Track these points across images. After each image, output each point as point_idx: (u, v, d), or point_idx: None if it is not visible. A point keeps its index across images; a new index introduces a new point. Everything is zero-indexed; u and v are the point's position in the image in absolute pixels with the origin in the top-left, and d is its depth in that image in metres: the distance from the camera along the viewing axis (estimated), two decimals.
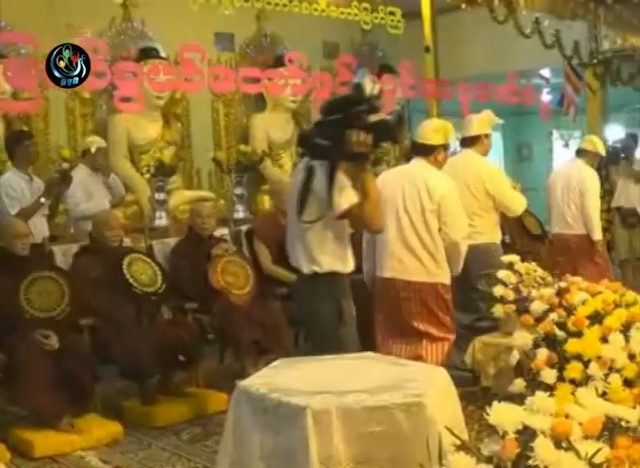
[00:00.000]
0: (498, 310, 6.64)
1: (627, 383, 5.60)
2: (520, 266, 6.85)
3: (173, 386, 7.57)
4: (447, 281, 6.73)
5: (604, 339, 5.75)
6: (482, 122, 8.04)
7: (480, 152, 8.01)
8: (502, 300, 6.62)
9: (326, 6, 9.52)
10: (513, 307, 6.52)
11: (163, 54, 10.33)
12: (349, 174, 5.28)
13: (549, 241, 10.05)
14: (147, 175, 10.11)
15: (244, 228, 9.03)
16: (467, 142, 8.06)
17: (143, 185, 10.01)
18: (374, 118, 5.22)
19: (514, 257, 6.95)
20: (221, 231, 8.86)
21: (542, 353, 5.68)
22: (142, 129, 10.38)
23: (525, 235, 10.89)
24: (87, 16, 9.86)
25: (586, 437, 3.31)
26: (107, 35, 10.36)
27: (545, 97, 14.42)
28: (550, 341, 5.73)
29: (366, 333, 6.18)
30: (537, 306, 6.05)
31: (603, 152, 9.79)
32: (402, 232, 6.59)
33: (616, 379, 5.55)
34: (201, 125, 11.29)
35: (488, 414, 3.02)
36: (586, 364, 5.59)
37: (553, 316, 5.86)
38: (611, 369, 5.61)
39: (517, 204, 8.07)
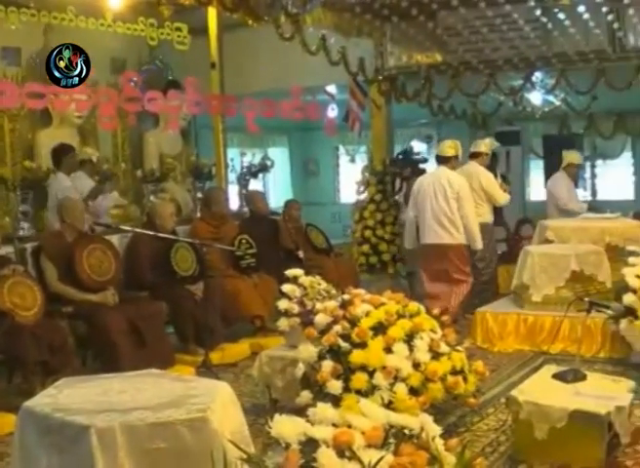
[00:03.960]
0: (282, 323, 6.71)
1: (413, 392, 5.77)
2: (304, 280, 6.92)
3: None
4: (465, 242, 9.99)
5: (388, 349, 5.91)
6: (486, 144, 11.21)
7: (480, 163, 10.99)
8: (287, 314, 6.68)
9: (112, 21, 9.39)
10: (298, 320, 6.60)
11: None
12: None
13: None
14: None
15: (29, 246, 8.81)
16: (473, 156, 11.05)
17: None
18: None
19: (298, 271, 7.03)
20: (6, 249, 8.61)
21: (328, 365, 5.78)
22: None
23: (311, 249, 11.06)
24: None
25: (369, 445, 3.38)
26: None
27: (331, 112, 14.65)
28: (335, 353, 5.84)
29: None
30: (321, 319, 6.15)
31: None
32: (435, 213, 9.91)
33: (401, 388, 5.72)
34: None
35: (270, 427, 3.05)
36: (372, 374, 5.73)
37: (337, 328, 5.96)
38: (396, 378, 5.77)
39: (500, 197, 10.89)
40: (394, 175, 12.88)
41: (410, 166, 12.89)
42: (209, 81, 11.10)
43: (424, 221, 10.07)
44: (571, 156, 12.23)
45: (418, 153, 14.07)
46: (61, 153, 10.21)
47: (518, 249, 10.47)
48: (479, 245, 10.06)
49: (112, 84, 10.79)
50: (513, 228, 13.39)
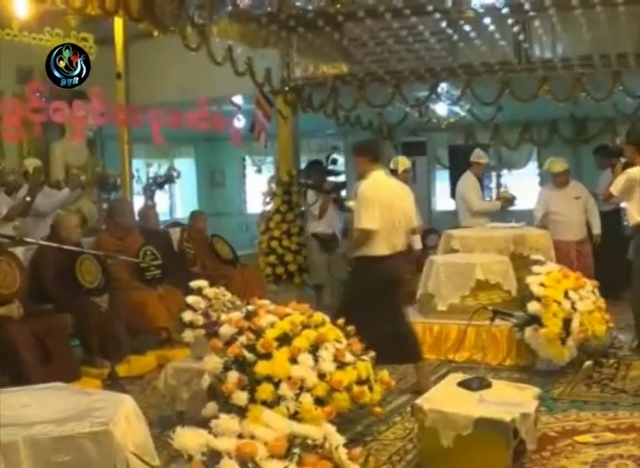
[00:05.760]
0: (187, 335, 6.67)
1: (319, 402, 5.77)
2: (209, 291, 6.90)
3: None
4: None
5: (293, 360, 5.91)
6: (403, 163, 11.53)
7: (474, 171, 12.04)
8: (192, 325, 6.65)
9: (18, 31, 9.26)
10: (203, 332, 6.57)
11: None
12: None
13: None
14: None
15: None
16: (469, 165, 12.07)
17: None
18: None
19: (202, 283, 7.00)
20: None
21: (233, 376, 5.76)
22: None
23: (216, 260, 11.02)
24: None
25: (272, 456, 3.37)
26: None
27: (237, 123, 14.60)
28: (240, 364, 5.82)
29: None
30: (225, 330, 6.12)
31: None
32: None
33: (307, 398, 5.71)
34: None
35: (172, 439, 3.03)
36: (277, 384, 5.72)
37: (242, 339, 5.94)
38: (301, 388, 5.76)
39: (472, 204, 11.74)
40: (307, 187, 12.72)
41: (322, 176, 12.77)
42: (115, 91, 10.99)
43: None
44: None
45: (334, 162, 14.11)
46: None
47: (424, 258, 10.53)
48: None
49: (18, 94, 10.63)
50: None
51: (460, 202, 12.16)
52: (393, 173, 10.91)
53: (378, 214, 7.47)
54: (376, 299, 7.40)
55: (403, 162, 11.56)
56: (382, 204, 7.54)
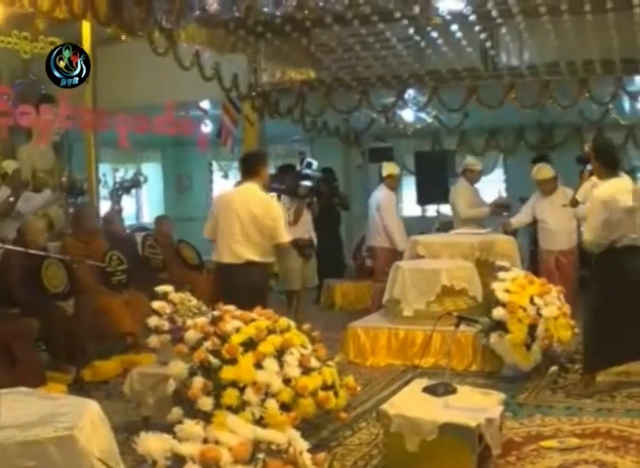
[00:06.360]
0: (153, 340, 6.66)
1: (284, 407, 5.77)
2: (174, 296, 6.88)
3: None
4: None
5: (258, 365, 5.91)
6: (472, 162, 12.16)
7: (467, 178, 12.03)
8: (157, 331, 6.63)
9: None
10: (168, 337, 6.56)
11: None
12: None
13: None
14: None
15: None
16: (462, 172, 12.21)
17: None
18: None
19: (168, 288, 6.99)
20: None
21: (198, 381, 5.75)
22: None
23: (182, 265, 10.99)
24: None
25: (237, 461, 3.38)
26: None
27: (204, 128, 14.59)
28: (206, 369, 5.81)
29: None
30: (191, 335, 6.12)
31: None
32: None
33: (272, 404, 5.71)
34: None
35: (137, 444, 3.03)
36: (242, 390, 5.72)
37: (207, 344, 5.94)
38: (267, 394, 5.76)
39: (460, 211, 11.91)
40: (280, 192, 12.37)
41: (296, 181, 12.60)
42: (82, 95, 10.96)
43: None
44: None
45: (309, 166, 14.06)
46: None
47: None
48: None
49: None
50: None
51: (452, 209, 12.32)
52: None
53: None
54: None
55: (387, 168, 12.04)
56: None
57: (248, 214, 7.90)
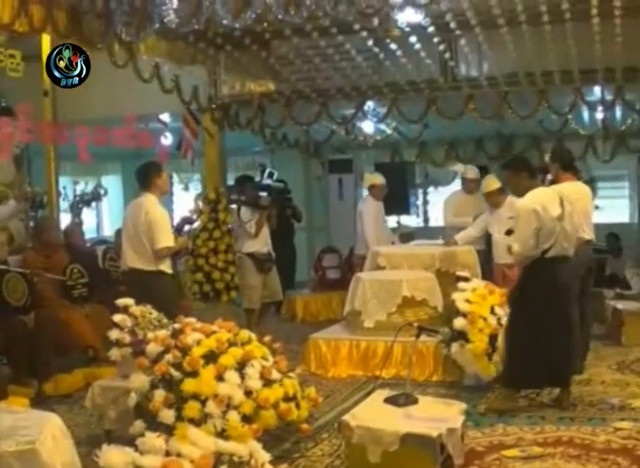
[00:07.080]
0: (114, 353, 6.65)
1: (246, 419, 5.78)
2: (135, 309, 6.87)
3: None
4: None
5: (220, 378, 5.92)
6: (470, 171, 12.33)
7: (464, 187, 12.30)
8: (118, 344, 6.62)
9: None
10: (130, 350, 6.55)
11: None
12: None
13: None
14: None
15: None
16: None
17: None
18: None
19: (129, 301, 6.97)
20: None
21: (160, 394, 5.75)
22: None
23: None
24: None
25: None
26: None
27: (164, 141, 14.55)
28: (167, 382, 5.82)
29: None
30: (152, 348, 6.13)
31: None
32: None
33: (234, 416, 5.73)
34: None
35: (98, 457, 3.03)
36: (204, 402, 5.73)
37: (169, 357, 5.95)
38: (228, 406, 5.78)
39: (445, 219, 12.29)
40: (241, 203, 12.17)
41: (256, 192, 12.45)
42: (42, 108, 10.91)
43: None
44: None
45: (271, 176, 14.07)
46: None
47: (350, 275, 10.56)
48: None
49: None
50: (346, 255, 13.63)
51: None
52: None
53: None
54: None
55: (368, 179, 12.73)
56: None
57: (132, 221, 8.47)
